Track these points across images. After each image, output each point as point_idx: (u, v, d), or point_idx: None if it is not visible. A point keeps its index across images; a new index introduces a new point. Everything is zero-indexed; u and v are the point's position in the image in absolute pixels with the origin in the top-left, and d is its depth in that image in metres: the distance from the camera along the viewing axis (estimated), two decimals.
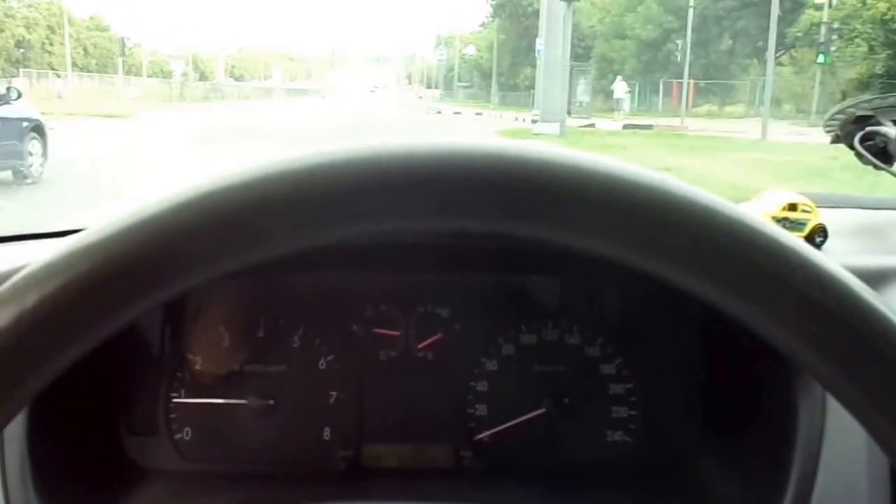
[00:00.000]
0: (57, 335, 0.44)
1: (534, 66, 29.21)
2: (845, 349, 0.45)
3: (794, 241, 0.46)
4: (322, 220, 0.45)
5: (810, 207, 1.35)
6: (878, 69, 30.55)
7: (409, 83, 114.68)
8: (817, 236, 1.34)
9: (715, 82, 43.52)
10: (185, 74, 58.87)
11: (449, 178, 0.45)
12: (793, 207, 1.34)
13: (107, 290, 0.44)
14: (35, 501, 0.99)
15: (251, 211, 0.44)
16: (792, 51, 39.98)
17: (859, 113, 1.46)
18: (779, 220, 1.33)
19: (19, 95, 11.22)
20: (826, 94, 31.20)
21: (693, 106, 40.55)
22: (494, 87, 55.42)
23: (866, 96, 1.51)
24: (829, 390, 0.47)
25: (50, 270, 0.44)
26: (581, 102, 34.30)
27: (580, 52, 44.19)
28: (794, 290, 0.45)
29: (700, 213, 0.45)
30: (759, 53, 39.16)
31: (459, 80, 72.11)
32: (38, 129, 11.23)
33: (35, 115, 11.62)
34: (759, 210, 1.34)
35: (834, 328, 0.45)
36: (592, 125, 27.54)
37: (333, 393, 1.27)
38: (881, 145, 1.40)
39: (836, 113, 1.51)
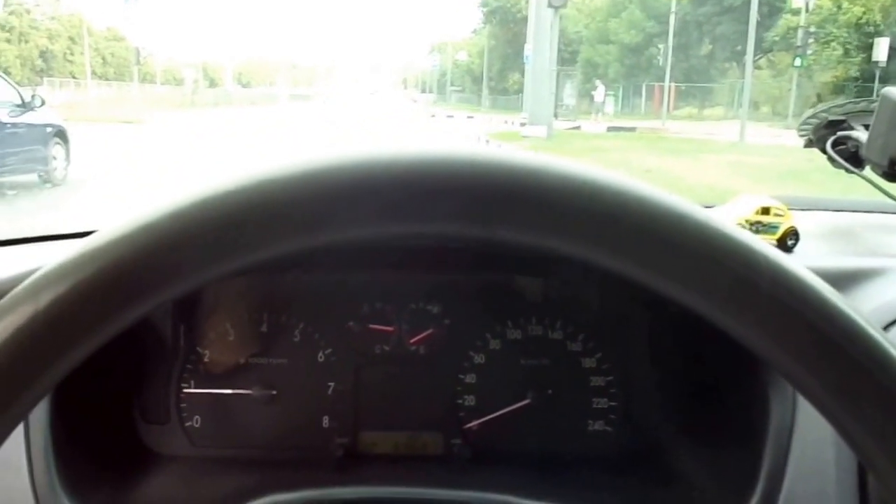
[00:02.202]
0: (69, 332, 0.44)
1: (522, 71, 29.13)
2: (806, 347, 0.44)
3: (761, 244, 0.46)
4: (307, 226, 0.45)
5: (783, 211, 1.34)
6: (853, 72, 30.55)
7: (405, 87, 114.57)
8: (789, 239, 1.34)
9: (695, 85, 43.51)
10: (195, 81, 58.49)
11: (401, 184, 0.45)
12: (766, 211, 1.34)
13: (115, 290, 0.44)
14: (58, 484, 1.00)
15: (247, 214, 0.45)
16: (769, 54, 39.94)
17: (831, 117, 1.44)
18: (752, 224, 1.32)
19: (43, 103, 11.22)
20: (802, 97, 31.14)
21: (674, 109, 40.55)
22: (485, 91, 55.45)
23: (839, 101, 1.50)
24: (794, 387, 0.47)
25: (62, 272, 0.44)
26: (567, 105, 34.20)
27: (566, 57, 44.26)
28: (760, 290, 0.44)
29: (670, 216, 0.45)
30: (738, 57, 39.18)
31: (452, 85, 72.03)
32: (61, 135, 11.24)
33: (58, 121, 11.62)
34: (733, 213, 1.33)
35: (796, 326, 0.44)
36: (578, 127, 27.54)
37: (331, 384, 1.28)
38: (852, 149, 1.38)
39: (810, 117, 1.49)
